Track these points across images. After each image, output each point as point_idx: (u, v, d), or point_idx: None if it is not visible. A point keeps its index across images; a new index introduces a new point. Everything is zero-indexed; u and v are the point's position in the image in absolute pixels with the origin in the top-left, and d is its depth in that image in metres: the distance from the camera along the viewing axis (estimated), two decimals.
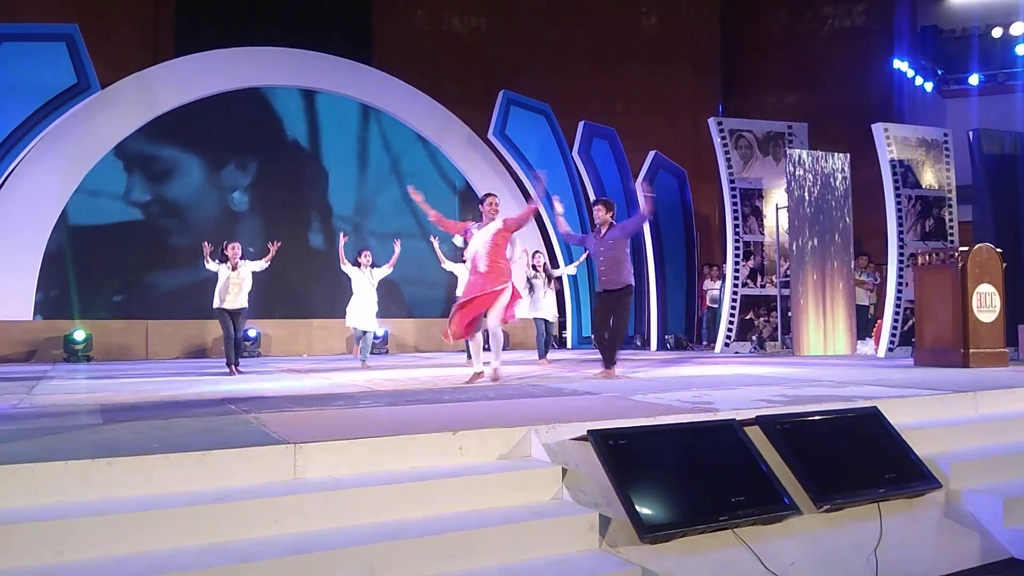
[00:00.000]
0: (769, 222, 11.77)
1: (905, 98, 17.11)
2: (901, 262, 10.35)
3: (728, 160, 11.70)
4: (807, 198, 10.74)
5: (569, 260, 13.27)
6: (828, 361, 9.12)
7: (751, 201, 11.78)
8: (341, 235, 9.29)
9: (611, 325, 6.78)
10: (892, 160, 10.43)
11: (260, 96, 13.24)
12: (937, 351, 7.38)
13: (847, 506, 3.57)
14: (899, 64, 16.94)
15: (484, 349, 6.63)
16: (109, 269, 12.27)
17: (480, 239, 6.24)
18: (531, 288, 9.34)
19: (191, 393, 5.82)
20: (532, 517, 3.07)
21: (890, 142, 10.46)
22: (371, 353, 9.47)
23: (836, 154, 11.02)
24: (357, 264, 9.28)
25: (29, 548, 2.55)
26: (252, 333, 12.06)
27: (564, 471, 3.38)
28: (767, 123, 12.26)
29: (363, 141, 14.00)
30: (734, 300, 11.58)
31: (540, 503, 3.26)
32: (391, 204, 13.79)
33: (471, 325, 6.28)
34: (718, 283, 13.11)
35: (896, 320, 10.23)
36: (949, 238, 10.66)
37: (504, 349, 7.39)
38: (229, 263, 8.51)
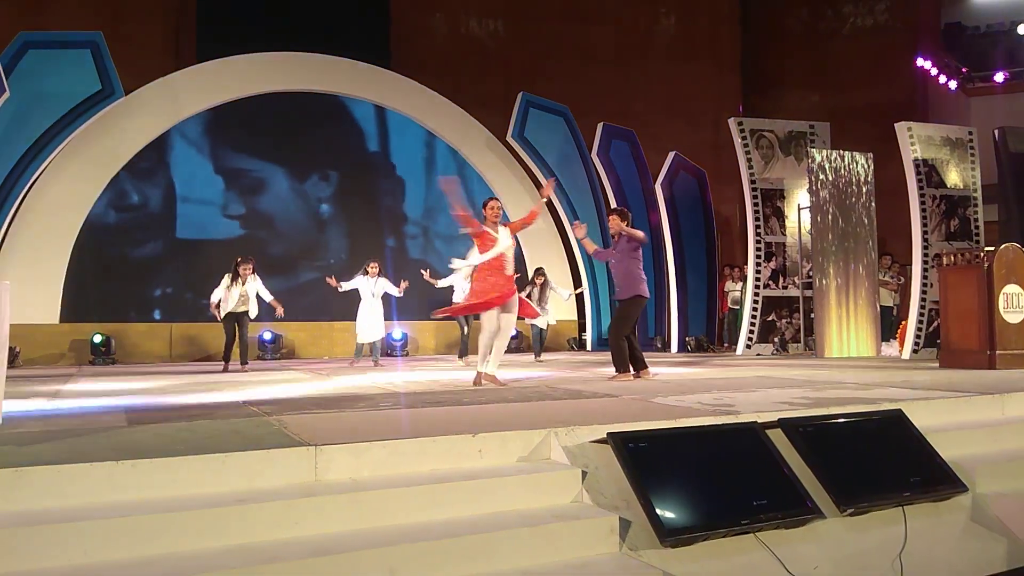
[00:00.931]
0: (791, 223, 11.65)
1: (929, 96, 16.93)
2: (926, 263, 10.22)
3: (749, 160, 11.60)
4: (829, 198, 10.64)
5: (591, 276, 13.72)
6: (852, 363, 9.02)
7: (772, 202, 11.67)
8: (330, 279, 9.73)
9: (634, 332, 6.92)
10: (916, 159, 10.30)
11: (272, 99, 13.25)
12: (963, 352, 7.28)
13: (871, 510, 3.52)
14: (922, 62, 16.76)
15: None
16: (133, 272, 12.40)
17: (505, 242, 6.48)
18: (529, 297, 10.36)
19: (214, 395, 5.88)
20: (552, 520, 3.06)
21: (914, 141, 10.33)
22: (390, 356, 9.65)
23: (859, 154, 10.90)
24: (365, 272, 9.39)
25: (58, 549, 2.57)
26: (267, 336, 12.22)
27: (584, 474, 3.37)
28: (788, 123, 12.12)
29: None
30: (756, 301, 11.48)
31: (560, 506, 3.25)
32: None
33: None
34: (739, 284, 13.02)
35: (921, 321, 10.10)
36: (975, 238, 10.50)
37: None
38: (240, 278, 8.88)
